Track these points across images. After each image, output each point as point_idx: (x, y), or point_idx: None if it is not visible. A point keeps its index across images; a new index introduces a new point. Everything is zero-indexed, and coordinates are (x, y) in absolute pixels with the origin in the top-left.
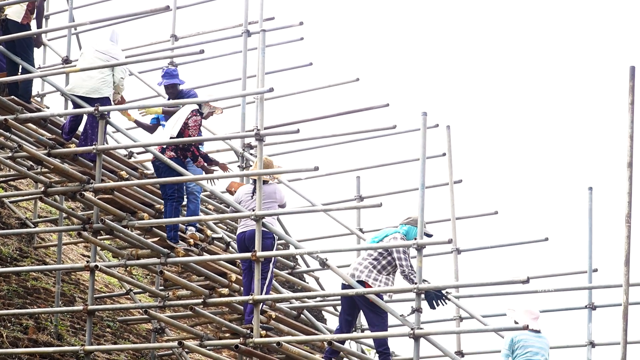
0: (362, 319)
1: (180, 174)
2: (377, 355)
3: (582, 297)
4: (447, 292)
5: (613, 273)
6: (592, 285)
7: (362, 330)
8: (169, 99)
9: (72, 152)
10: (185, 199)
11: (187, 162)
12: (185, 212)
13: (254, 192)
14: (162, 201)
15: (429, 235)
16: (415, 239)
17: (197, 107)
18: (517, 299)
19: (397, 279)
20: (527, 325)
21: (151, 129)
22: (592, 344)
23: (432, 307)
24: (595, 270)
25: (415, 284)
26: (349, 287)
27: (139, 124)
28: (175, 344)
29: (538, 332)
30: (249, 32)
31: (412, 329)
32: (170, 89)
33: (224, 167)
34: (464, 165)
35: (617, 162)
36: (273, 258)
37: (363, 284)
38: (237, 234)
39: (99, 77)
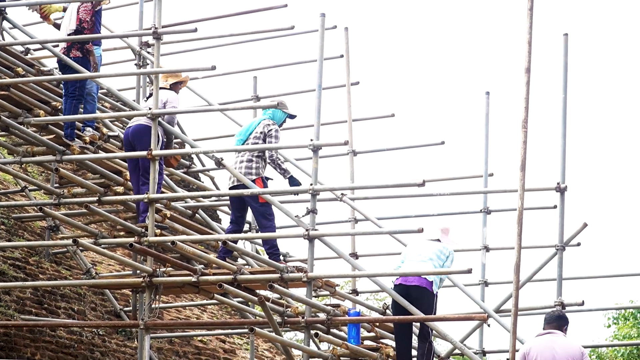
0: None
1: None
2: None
3: (477, 201)
4: (342, 194)
5: (508, 178)
6: (488, 189)
7: (257, 231)
8: None
9: None
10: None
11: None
12: (82, 112)
13: (149, 96)
14: (59, 99)
15: (293, 117)
16: (284, 122)
17: None
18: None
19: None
20: (422, 229)
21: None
22: (487, 248)
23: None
24: (491, 175)
25: (284, 170)
26: (241, 186)
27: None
28: (70, 241)
29: (437, 240)
30: None
31: (306, 230)
32: None
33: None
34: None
35: (514, 67)
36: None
37: (254, 182)
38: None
39: None
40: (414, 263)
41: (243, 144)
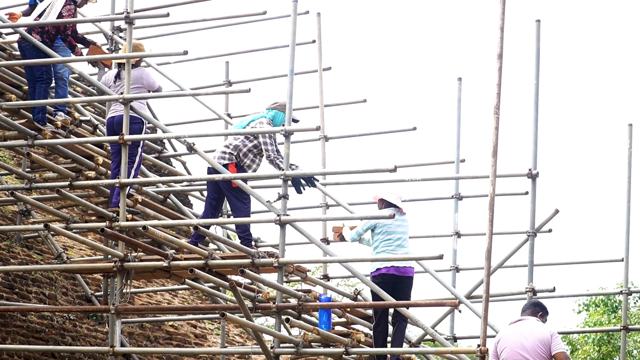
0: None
1: (48, 56)
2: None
3: (449, 187)
4: (314, 179)
5: (480, 164)
6: (459, 175)
7: (228, 216)
8: None
9: None
10: (54, 84)
11: (57, 46)
12: (53, 96)
13: (117, 76)
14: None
15: (296, 121)
16: (284, 125)
17: None
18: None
19: (264, 165)
20: (394, 215)
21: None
22: (458, 234)
23: (299, 191)
24: (463, 161)
25: (282, 169)
26: (216, 171)
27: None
28: (41, 226)
29: (403, 213)
30: None
31: (278, 215)
32: None
33: (94, 49)
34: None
35: (486, 53)
36: (141, 142)
37: (227, 167)
38: (106, 119)
39: None
40: (394, 249)
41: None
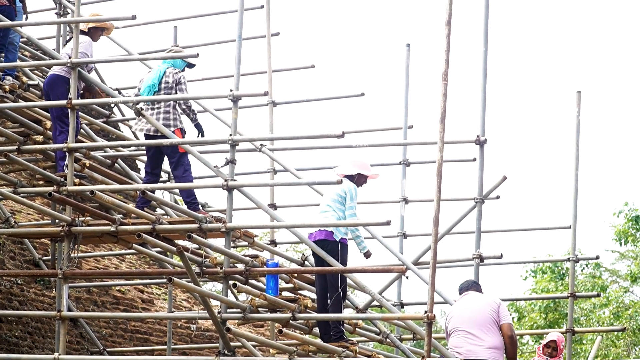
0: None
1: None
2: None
3: (396, 153)
4: (261, 145)
5: (428, 130)
6: (407, 141)
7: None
8: None
9: None
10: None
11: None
12: (1, 60)
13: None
14: None
15: (192, 66)
16: (182, 70)
17: None
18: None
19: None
20: (341, 180)
21: None
22: (406, 200)
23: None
24: (411, 127)
25: (196, 115)
26: (158, 137)
27: None
28: None
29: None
30: None
31: (225, 180)
32: None
33: None
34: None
35: (435, 20)
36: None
37: (173, 133)
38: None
39: None
40: (317, 215)
41: (154, 94)
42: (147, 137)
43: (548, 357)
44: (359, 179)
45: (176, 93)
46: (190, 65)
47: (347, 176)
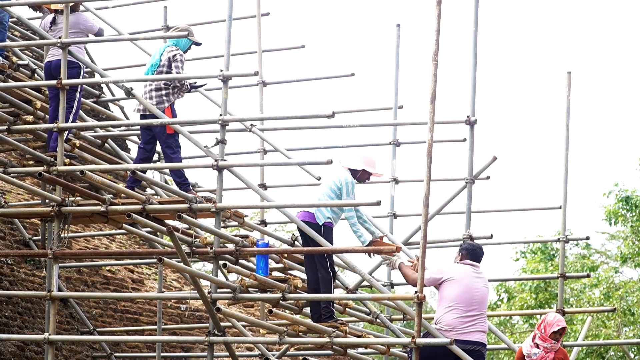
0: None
1: None
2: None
3: (386, 133)
4: (251, 125)
5: (418, 110)
6: (397, 121)
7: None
8: None
9: None
10: None
11: None
12: None
13: (53, 21)
14: None
15: (198, 44)
16: (188, 49)
17: None
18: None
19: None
20: (331, 160)
21: None
22: (396, 181)
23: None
24: (401, 107)
25: (189, 89)
26: (151, 116)
27: None
28: None
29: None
30: None
31: (215, 160)
32: None
33: None
34: None
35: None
36: (79, 87)
37: (163, 112)
38: (44, 63)
39: None
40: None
41: (152, 73)
42: (143, 117)
43: (554, 342)
44: (361, 175)
45: (170, 70)
46: (197, 44)
47: (350, 170)
